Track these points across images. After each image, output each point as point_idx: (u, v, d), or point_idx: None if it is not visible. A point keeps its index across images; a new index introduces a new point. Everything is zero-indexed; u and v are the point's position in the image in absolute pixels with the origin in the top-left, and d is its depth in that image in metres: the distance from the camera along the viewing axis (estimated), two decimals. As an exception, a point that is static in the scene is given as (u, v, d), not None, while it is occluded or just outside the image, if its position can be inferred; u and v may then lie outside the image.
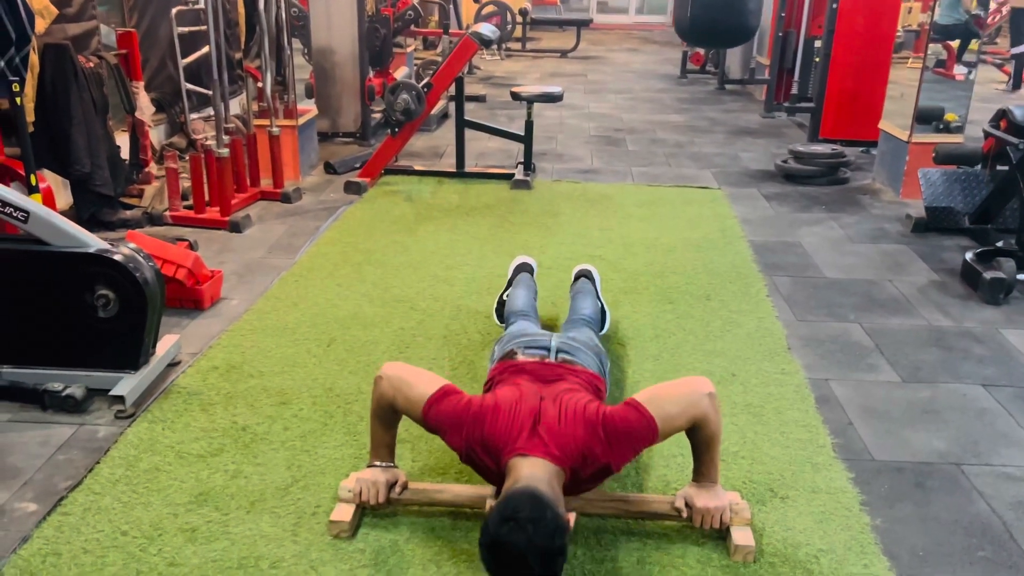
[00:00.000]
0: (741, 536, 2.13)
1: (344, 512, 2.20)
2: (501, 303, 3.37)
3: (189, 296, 3.46)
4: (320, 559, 2.10)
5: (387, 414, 2.21)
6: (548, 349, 2.47)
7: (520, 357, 2.43)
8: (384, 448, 2.27)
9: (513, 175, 5.42)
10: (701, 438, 2.11)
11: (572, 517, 1.87)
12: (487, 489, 2.23)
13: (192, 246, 3.89)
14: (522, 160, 5.54)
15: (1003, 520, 2.30)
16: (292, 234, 4.50)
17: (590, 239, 4.39)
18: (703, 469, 2.17)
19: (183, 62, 4.90)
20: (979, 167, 4.54)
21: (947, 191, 4.57)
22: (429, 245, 4.28)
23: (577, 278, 3.39)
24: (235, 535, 2.18)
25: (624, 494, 2.27)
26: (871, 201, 5.21)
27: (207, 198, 4.55)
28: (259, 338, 3.25)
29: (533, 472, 1.91)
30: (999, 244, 4.10)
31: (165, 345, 3.00)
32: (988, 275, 3.70)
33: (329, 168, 5.70)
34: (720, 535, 2.18)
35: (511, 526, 1.76)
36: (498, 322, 3.35)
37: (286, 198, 5.01)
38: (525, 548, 1.74)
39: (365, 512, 2.26)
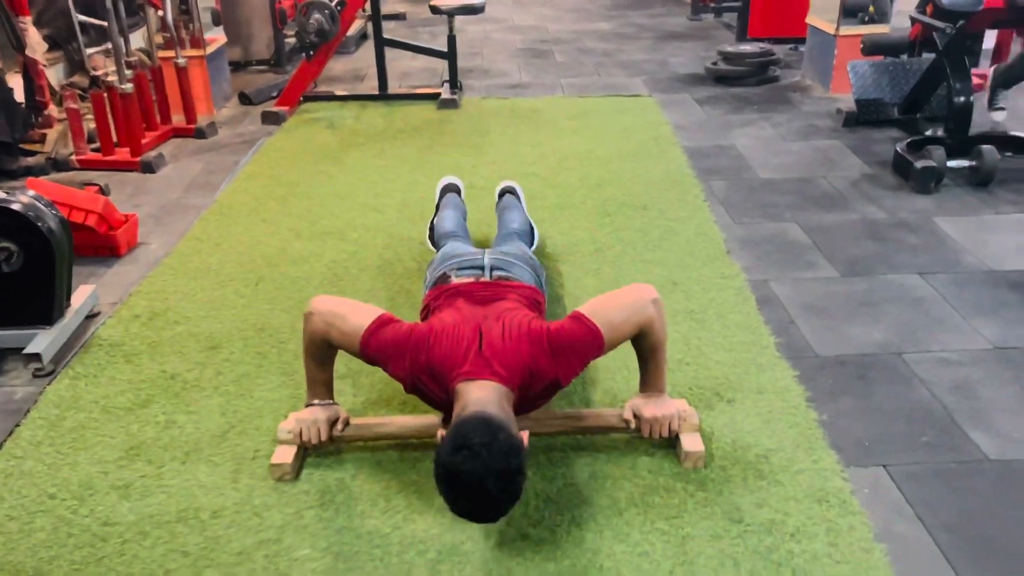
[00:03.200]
0: (690, 442, 2.11)
1: (285, 454, 2.12)
2: (432, 228, 3.27)
3: (103, 243, 3.27)
4: (264, 504, 2.03)
5: (321, 351, 2.11)
6: (482, 268, 2.38)
7: (454, 280, 2.34)
8: (321, 386, 2.18)
9: (439, 94, 5.24)
10: (646, 346, 2.07)
11: (525, 436, 1.82)
12: (433, 418, 2.17)
13: (103, 190, 3.67)
14: (448, 78, 5.36)
15: (943, 404, 2.33)
16: (210, 171, 4.29)
17: (523, 156, 4.28)
18: (649, 378, 2.14)
19: (74, -7, 4.56)
20: (905, 56, 4.52)
21: (876, 83, 4.55)
22: (356, 173, 4.12)
23: (502, 195, 3.30)
24: (171, 488, 2.09)
25: (572, 411, 2.23)
26: (801, 98, 5.18)
27: (115, 139, 4.30)
28: (182, 282, 3.09)
29: (481, 395, 1.85)
30: (928, 133, 4.12)
31: (81, 296, 2.84)
32: (919, 164, 3.71)
33: (244, 99, 5.44)
34: (670, 444, 2.16)
35: (465, 454, 1.70)
36: (432, 247, 3.24)
37: (200, 133, 4.77)
38: (482, 474, 1.68)
39: (308, 453, 2.18)
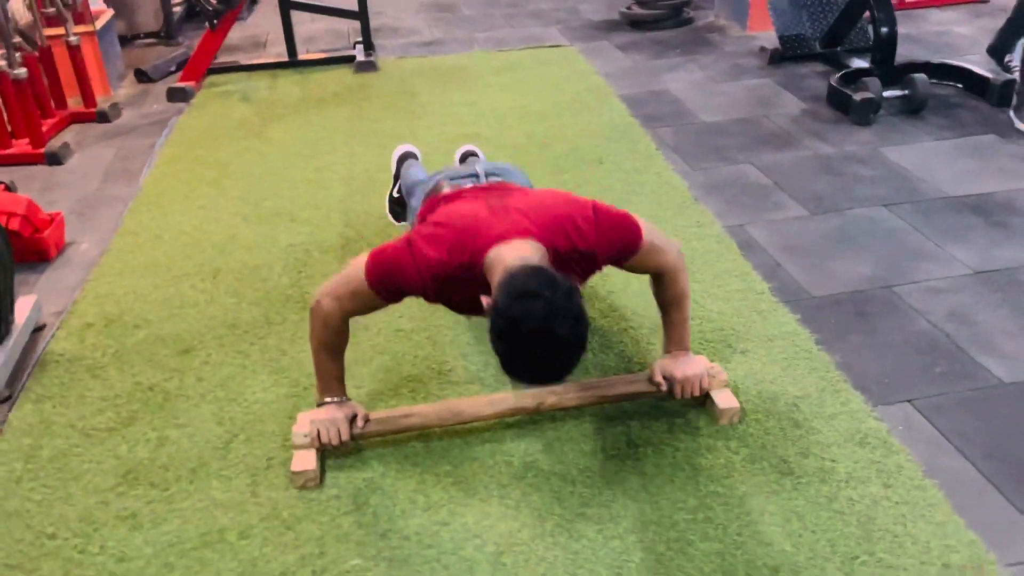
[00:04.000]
0: (724, 399, 2.08)
1: (306, 459, 1.97)
2: (393, 200, 3.11)
3: (31, 248, 2.97)
4: (293, 516, 1.88)
5: (336, 338, 1.97)
6: (476, 176, 2.24)
7: (447, 189, 2.19)
8: (335, 381, 2.04)
9: (354, 58, 4.99)
10: (672, 296, 2.02)
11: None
12: (458, 403, 2.07)
13: (9, 187, 3.32)
14: (360, 39, 5.11)
15: (945, 333, 2.38)
16: (124, 157, 3.95)
17: (459, 117, 4.13)
18: (675, 335, 2.09)
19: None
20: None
21: (795, 18, 4.60)
22: (287, 147, 3.88)
23: (464, 160, 3.16)
24: (185, 511, 1.91)
25: (597, 380, 2.16)
26: (721, 39, 5.18)
27: (10, 130, 3.90)
28: (130, 282, 2.84)
29: (521, 253, 1.70)
30: (855, 65, 4.19)
31: (24, 309, 2.56)
32: (858, 97, 3.77)
33: (142, 76, 5.05)
34: (698, 403, 2.13)
35: (526, 300, 1.56)
36: (394, 220, 3.10)
37: (103, 117, 4.39)
38: (549, 315, 1.54)
39: (326, 455, 2.04)
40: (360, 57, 4.96)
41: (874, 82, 3.78)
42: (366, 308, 1.91)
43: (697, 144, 3.70)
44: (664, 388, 2.07)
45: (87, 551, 1.82)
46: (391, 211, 3.12)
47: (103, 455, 2.09)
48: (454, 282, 1.80)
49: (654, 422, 2.10)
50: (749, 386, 2.20)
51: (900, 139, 3.63)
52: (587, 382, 2.14)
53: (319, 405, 2.04)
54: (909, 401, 2.13)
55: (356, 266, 1.87)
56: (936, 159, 3.43)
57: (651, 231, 1.93)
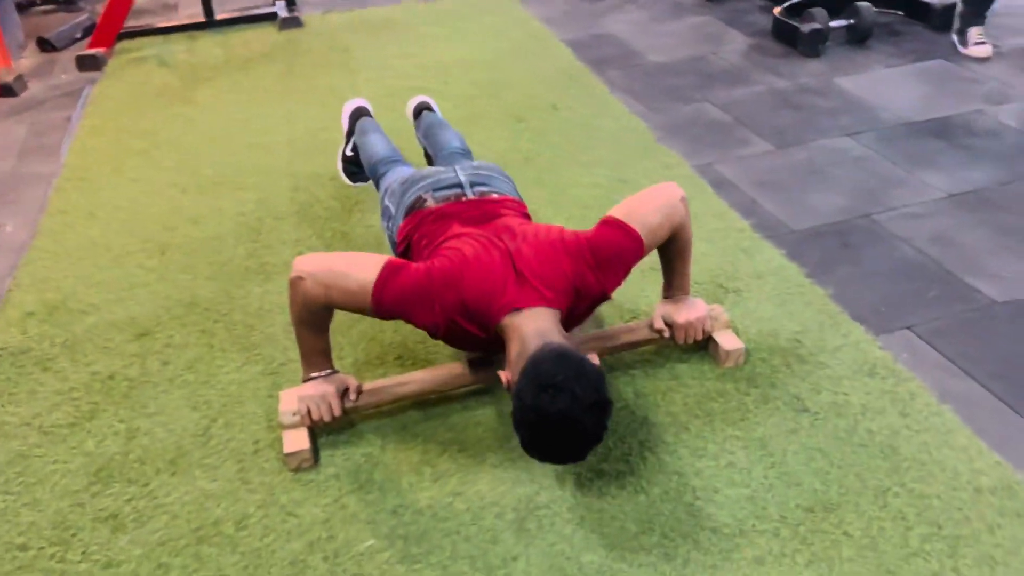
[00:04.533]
0: (727, 340, 2.02)
1: (298, 439, 1.83)
2: (347, 159, 2.93)
3: (-49, 235, 2.70)
4: (292, 500, 1.75)
5: (318, 317, 1.81)
6: (461, 186, 2.11)
7: (432, 203, 2.06)
8: (320, 355, 1.89)
9: (276, 15, 4.72)
10: (677, 248, 1.93)
11: (595, 358, 1.64)
12: (455, 366, 1.94)
13: (-83, 173, 3.02)
14: (281, -5, 4.82)
15: (931, 257, 2.36)
16: (39, 132, 3.65)
17: (399, 70, 3.94)
18: (677, 281, 2.01)
19: None
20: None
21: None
22: (219, 112, 3.64)
23: (418, 114, 2.98)
24: (171, 506, 1.76)
25: (599, 331, 2.06)
26: (656, -23, 5.07)
27: (-92, 109, 3.55)
28: (68, 265, 2.61)
29: (539, 326, 1.64)
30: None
31: (-45, 303, 2.32)
32: (806, 28, 3.72)
33: (45, 45, 4.67)
34: (700, 347, 2.06)
35: (552, 393, 1.50)
36: (348, 181, 2.93)
37: (8, 91, 4.04)
38: (576, 411, 1.50)
39: (317, 434, 1.90)
40: (283, 13, 4.69)
41: (821, 12, 3.74)
42: (353, 310, 1.77)
43: (650, 85, 3.61)
44: (667, 334, 1.99)
45: (67, 559, 1.66)
46: (345, 171, 2.94)
47: (68, 454, 1.91)
48: (465, 329, 1.73)
49: (659, 370, 2.02)
50: (748, 325, 2.14)
51: (851, 68, 3.61)
52: (588, 335, 2.04)
53: (305, 381, 1.89)
54: (909, 328, 2.10)
55: (364, 271, 1.71)
56: (890, 86, 3.42)
57: (647, 221, 1.81)
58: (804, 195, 2.71)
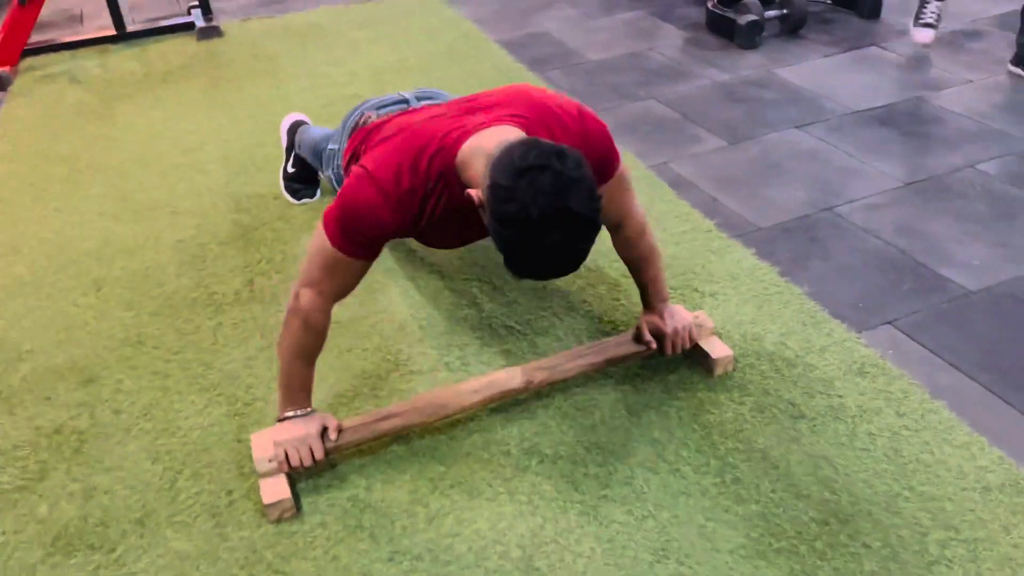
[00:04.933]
0: (715, 348, 1.96)
1: (278, 488, 1.70)
2: (289, 176, 2.81)
3: None
4: (280, 555, 1.62)
5: (316, 340, 1.72)
6: (406, 101, 2.00)
7: (376, 119, 1.94)
8: (302, 392, 1.77)
9: (193, 24, 4.49)
10: (642, 252, 1.89)
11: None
12: (438, 395, 1.84)
13: None
14: (196, 3, 4.59)
15: (899, 248, 2.36)
16: (-56, 162, 3.37)
17: (331, 77, 3.78)
18: (654, 288, 1.95)
19: None
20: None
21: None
22: (144, 130, 3.43)
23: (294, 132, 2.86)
24: (144, 573, 1.61)
25: (582, 348, 1.98)
26: (583, -27, 5.02)
27: None
28: (-4, 308, 2.41)
29: (503, 138, 1.45)
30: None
31: None
32: (743, 20, 3.72)
33: (-59, 66, 4.33)
34: (685, 355, 2.00)
35: (532, 175, 1.31)
36: (293, 199, 2.80)
37: (-95, 118, 3.73)
38: (561, 191, 1.31)
39: (296, 479, 1.77)
40: (200, 23, 4.47)
41: (755, 3, 3.74)
42: (349, 281, 1.65)
43: (592, 84, 3.55)
44: (654, 346, 1.93)
45: (32, 645, 1.49)
46: (288, 189, 2.81)
47: (19, 522, 1.73)
48: (433, 201, 1.55)
49: (647, 383, 1.95)
50: (731, 330, 2.09)
51: (790, 59, 3.62)
52: (573, 352, 1.96)
53: (280, 421, 1.76)
54: (890, 323, 2.09)
55: (317, 236, 1.61)
56: (830, 76, 3.43)
57: (622, 170, 1.76)
58: (764, 190, 2.68)
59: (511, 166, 1.35)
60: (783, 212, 2.56)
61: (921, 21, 3.52)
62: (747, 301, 2.19)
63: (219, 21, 4.62)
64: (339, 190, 1.62)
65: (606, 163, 1.70)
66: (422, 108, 1.83)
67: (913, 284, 2.22)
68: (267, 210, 2.78)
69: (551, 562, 1.56)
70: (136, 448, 1.89)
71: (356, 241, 1.58)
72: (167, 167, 3.10)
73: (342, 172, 2.00)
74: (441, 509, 1.69)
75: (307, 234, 2.61)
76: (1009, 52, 3.39)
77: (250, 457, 1.81)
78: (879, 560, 1.51)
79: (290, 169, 2.79)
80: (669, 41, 3.93)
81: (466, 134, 1.53)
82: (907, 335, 2.04)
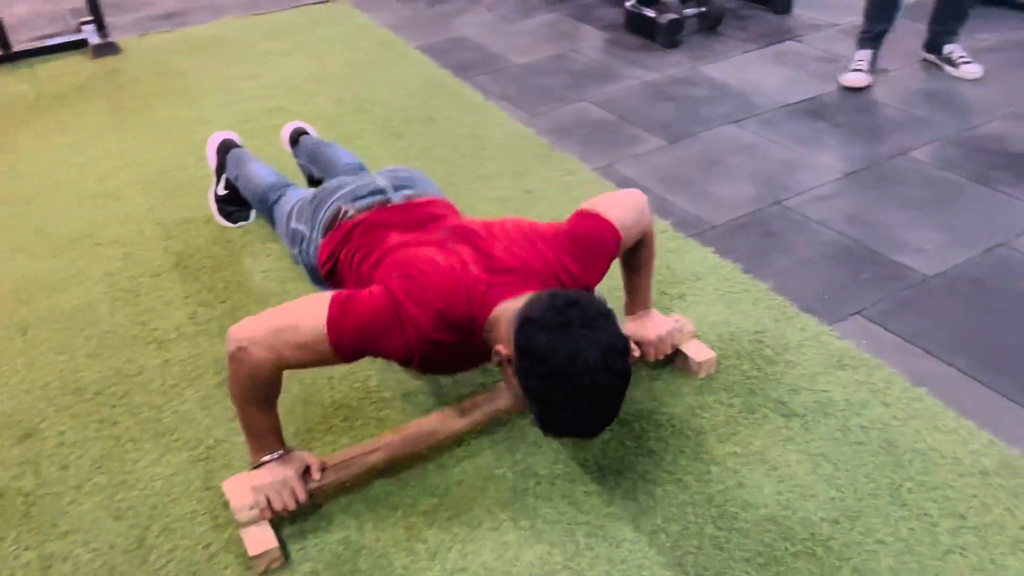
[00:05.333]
0: (697, 351, 1.94)
1: (263, 537, 1.58)
2: (220, 198, 2.65)
3: None
4: (273, 612, 1.50)
5: (268, 389, 1.57)
6: (384, 191, 1.91)
7: (354, 214, 1.85)
8: (270, 435, 1.64)
9: (86, 41, 4.23)
10: (642, 258, 1.84)
11: None
12: (424, 423, 1.75)
13: None
14: (88, 18, 4.33)
15: (852, 238, 2.40)
16: None
17: (248, 92, 3.61)
18: (640, 296, 1.91)
19: None
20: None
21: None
22: (48, 158, 3.19)
23: (295, 141, 2.73)
24: (123, 646, 1.46)
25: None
26: (493, -24, 4.98)
27: None
28: (-94, 362, 2.17)
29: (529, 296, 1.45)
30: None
31: None
32: (663, 19, 3.74)
33: None
34: (667, 361, 1.97)
35: (572, 334, 1.32)
36: (226, 222, 2.64)
37: None
38: (604, 353, 1.33)
39: (277, 525, 1.65)
40: (95, 39, 4.21)
41: (674, 2, 3.77)
42: (313, 364, 1.53)
43: (522, 89, 3.51)
44: (638, 354, 1.89)
45: None
46: (220, 212, 2.65)
47: (-31, 602, 1.55)
48: (445, 347, 1.51)
49: (633, 392, 1.91)
50: (706, 330, 2.07)
51: (712, 56, 3.66)
52: (553, 365, 1.90)
53: (255, 467, 1.64)
54: (858, 313, 2.11)
55: (312, 316, 1.47)
56: (753, 71, 3.49)
57: (621, 218, 1.69)
58: (711, 188, 2.69)
59: (548, 324, 1.34)
60: (734, 208, 2.57)
61: (851, 67, 3.35)
62: (716, 301, 2.18)
63: (114, 37, 4.36)
64: (360, 293, 1.51)
65: (609, 257, 1.67)
66: (434, 242, 1.66)
67: (872, 273, 2.25)
68: (199, 235, 2.61)
69: (568, 589, 1.50)
70: (93, 506, 1.73)
71: (358, 351, 1.50)
72: (81, 195, 2.89)
73: (316, 265, 1.89)
74: (442, 544, 1.60)
75: (248, 259, 2.48)
76: (917, 42, 3.51)
77: (224, 505, 1.68)
78: (895, 555, 1.51)
79: (221, 191, 2.64)
80: (590, 42, 3.92)
81: (494, 302, 1.48)
82: (877, 324, 2.07)
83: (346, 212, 1.85)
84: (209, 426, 1.90)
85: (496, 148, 3.00)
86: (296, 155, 2.64)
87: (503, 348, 1.42)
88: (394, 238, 1.72)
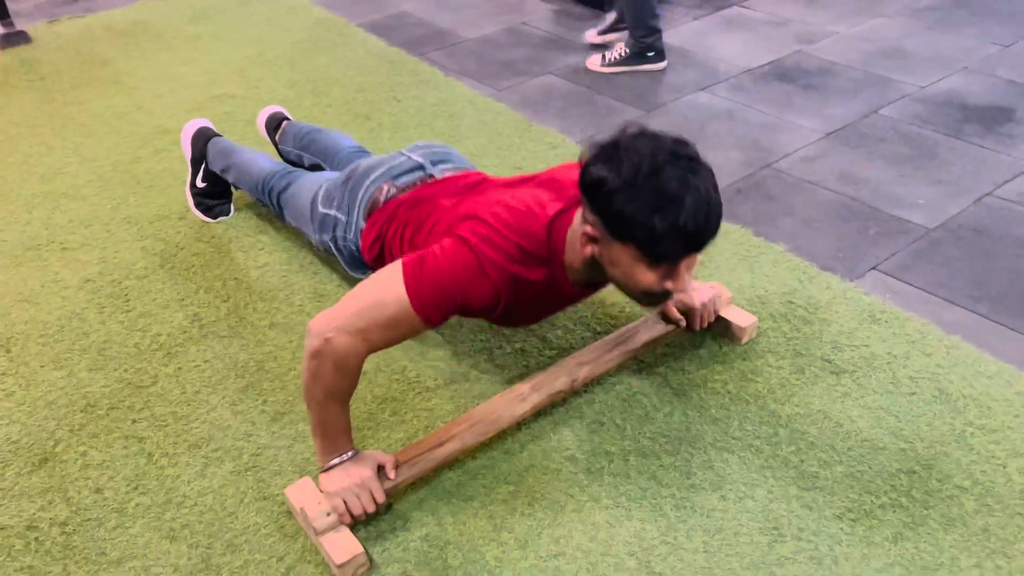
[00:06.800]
0: (738, 316, 1.95)
1: (347, 544, 1.50)
2: (199, 191, 2.50)
3: None
4: (372, 621, 1.43)
5: (352, 380, 1.50)
6: (422, 167, 1.87)
7: (397, 192, 1.82)
8: (345, 435, 1.57)
9: (-8, 31, 3.90)
10: None
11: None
12: (487, 410, 1.70)
13: None
14: (-10, 7, 3.99)
15: (850, 196, 2.46)
16: None
17: (186, 79, 3.40)
18: (682, 262, 1.89)
19: None
20: None
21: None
22: (-20, 158, 2.93)
23: (278, 128, 2.58)
24: (217, 674, 1.36)
25: (613, 336, 1.89)
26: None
27: None
28: None
29: None
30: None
31: None
32: (613, -11, 3.72)
33: None
34: (705, 330, 1.97)
35: (649, 142, 1.35)
36: (204, 216, 2.50)
37: None
38: (662, 143, 1.36)
39: (354, 528, 1.57)
40: (2, 29, 3.89)
41: (620, -30, 3.75)
42: (400, 339, 1.48)
43: (481, 64, 3.43)
44: (684, 323, 1.89)
45: None
46: (199, 206, 2.50)
47: (28, 648, 1.41)
48: (529, 287, 1.50)
49: (681, 363, 1.91)
50: (736, 296, 2.08)
51: (665, 23, 3.67)
52: (605, 342, 1.88)
53: (325, 470, 1.55)
54: (875, 268, 2.16)
55: (390, 287, 1.42)
56: (708, 37, 3.52)
57: None
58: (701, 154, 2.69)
59: (653, 152, 1.33)
60: (728, 174, 2.59)
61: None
62: (736, 265, 2.19)
63: (20, 25, 4.04)
64: (430, 251, 1.47)
65: None
66: (452, 180, 1.74)
67: (878, 228, 2.31)
68: (178, 232, 2.45)
69: (670, 563, 1.48)
70: (141, 528, 1.60)
71: (444, 312, 1.46)
72: (29, 197, 2.66)
73: (357, 249, 1.82)
74: (530, 531, 1.56)
75: (240, 253, 2.34)
76: (863, 4, 3.61)
77: (287, 514, 1.59)
78: (976, 498, 1.56)
79: (199, 184, 2.48)
80: (539, 14, 3.87)
81: (564, 214, 1.48)
82: (894, 278, 2.13)
83: (389, 191, 1.79)
84: (248, 432, 1.79)
85: (471, 125, 2.93)
86: (281, 142, 2.51)
87: (588, 227, 1.39)
88: (447, 203, 1.69)
